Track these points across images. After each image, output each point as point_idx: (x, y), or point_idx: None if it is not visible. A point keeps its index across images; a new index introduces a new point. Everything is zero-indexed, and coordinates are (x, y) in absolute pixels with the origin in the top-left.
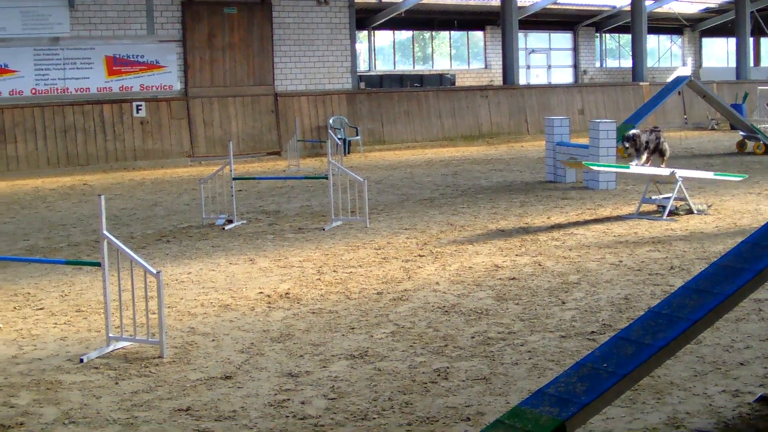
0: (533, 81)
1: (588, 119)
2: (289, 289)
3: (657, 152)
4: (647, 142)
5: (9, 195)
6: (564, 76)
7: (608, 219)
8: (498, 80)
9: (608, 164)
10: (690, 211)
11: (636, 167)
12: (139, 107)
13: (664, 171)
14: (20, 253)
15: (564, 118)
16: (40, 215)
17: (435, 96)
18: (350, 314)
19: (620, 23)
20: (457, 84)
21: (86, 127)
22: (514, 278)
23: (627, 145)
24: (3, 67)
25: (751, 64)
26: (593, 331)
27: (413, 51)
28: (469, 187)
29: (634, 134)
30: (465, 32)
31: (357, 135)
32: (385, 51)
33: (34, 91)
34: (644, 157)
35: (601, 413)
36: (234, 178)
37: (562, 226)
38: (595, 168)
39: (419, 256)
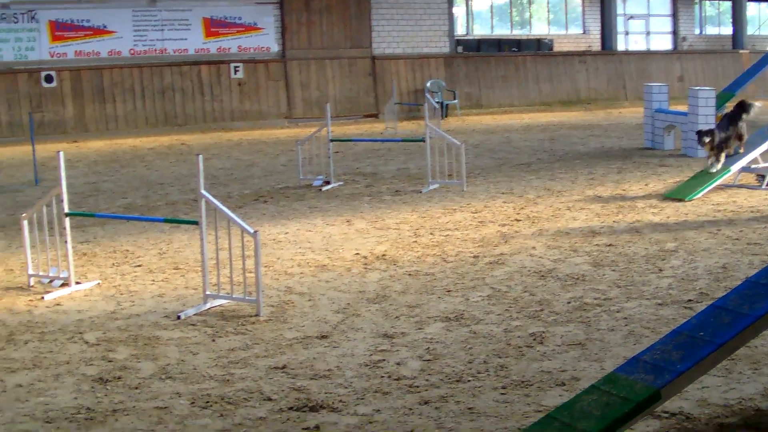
0: (632, 47)
1: (687, 86)
2: (385, 250)
3: (736, 137)
4: (725, 139)
5: (108, 154)
6: (663, 42)
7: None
8: (596, 46)
9: (707, 185)
10: None
11: (719, 166)
12: (237, 68)
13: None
14: (119, 210)
15: (663, 85)
16: (138, 174)
17: (533, 61)
18: (446, 277)
19: None
20: (554, 49)
21: (184, 87)
22: (610, 244)
23: (706, 140)
24: (102, 28)
25: None
26: (690, 300)
27: (511, 15)
28: (566, 152)
29: (712, 131)
30: None
31: (454, 99)
32: (482, 15)
33: (132, 51)
34: (722, 158)
35: (696, 382)
36: (331, 140)
37: (660, 194)
38: (698, 196)
39: (516, 220)
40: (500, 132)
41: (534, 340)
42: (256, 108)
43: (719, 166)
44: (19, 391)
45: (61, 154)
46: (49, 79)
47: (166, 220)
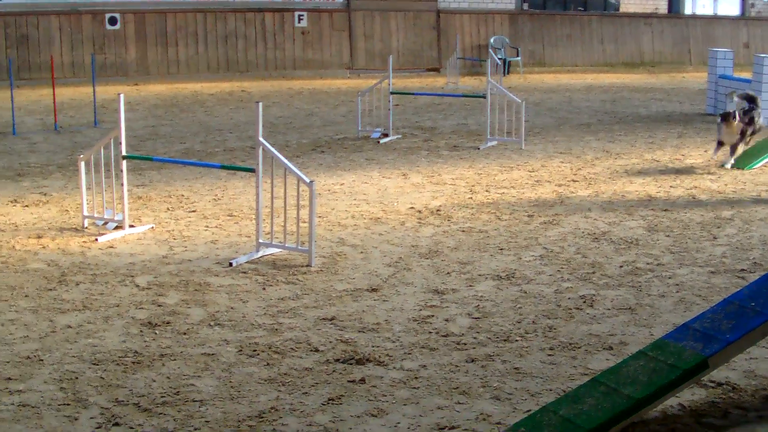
0: (699, 12)
1: (753, 53)
2: (440, 206)
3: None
4: (744, 127)
5: (168, 98)
6: (730, 8)
7: None
8: (663, 8)
9: (766, 155)
10: None
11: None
12: (301, 17)
13: None
14: (177, 155)
15: (728, 51)
16: (197, 119)
17: (598, 21)
18: (500, 235)
19: None
20: (621, 10)
21: (247, 34)
22: (666, 210)
23: (733, 121)
24: None
25: None
26: (743, 269)
27: None
28: (627, 114)
29: (735, 114)
30: None
31: (517, 56)
32: None
33: None
34: (740, 150)
35: (744, 353)
36: (392, 93)
37: (719, 161)
38: (757, 166)
39: (572, 181)
40: (561, 91)
41: (584, 302)
42: (318, 57)
43: (733, 161)
44: (68, 331)
45: (122, 96)
46: (112, 21)
47: (222, 167)
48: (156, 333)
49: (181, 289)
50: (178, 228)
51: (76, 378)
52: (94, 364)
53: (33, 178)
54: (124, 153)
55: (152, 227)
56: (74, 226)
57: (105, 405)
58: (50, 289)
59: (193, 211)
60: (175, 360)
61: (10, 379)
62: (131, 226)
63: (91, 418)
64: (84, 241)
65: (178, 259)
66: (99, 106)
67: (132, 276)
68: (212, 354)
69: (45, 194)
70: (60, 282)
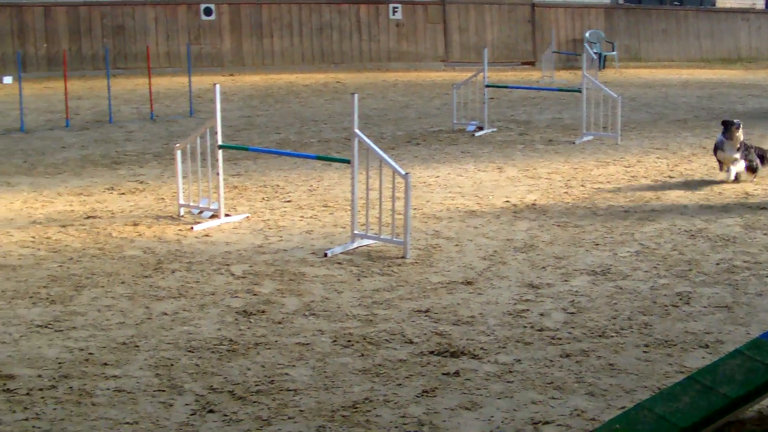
0: None
1: None
2: (535, 199)
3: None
4: (748, 149)
5: (263, 89)
6: None
7: None
8: (760, 4)
9: None
10: None
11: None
12: (395, 9)
13: None
14: (272, 145)
15: None
16: (292, 110)
17: (695, 16)
18: (595, 230)
19: None
20: (717, 5)
21: (342, 26)
22: (764, 208)
23: (735, 132)
24: None
25: None
26: None
27: None
28: (724, 110)
29: (738, 123)
30: None
31: (613, 50)
32: None
33: None
34: (740, 167)
35: None
36: (487, 86)
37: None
38: None
39: (669, 177)
40: (657, 86)
41: (680, 299)
42: (413, 50)
43: (732, 176)
44: (164, 319)
45: (218, 86)
46: (208, 11)
47: (318, 158)
48: (251, 322)
49: (276, 279)
50: (274, 218)
51: (172, 365)
52: (190, 351)
53: (129, 166)
54: (219, 143)
55: (247, 216)
56: (170, 215)
57: (200, 392)
58: (146, 276)
59: (289, 201)
60: (269, 349)
61: (106, 364)
62: (227, 215)
63: (186, 404)
64: (180, 230)
65: (273, 249)
66: (194, 95)
67: (227, 265)
68: (307, 343)
69: (141, 182)
70: (156, 269)
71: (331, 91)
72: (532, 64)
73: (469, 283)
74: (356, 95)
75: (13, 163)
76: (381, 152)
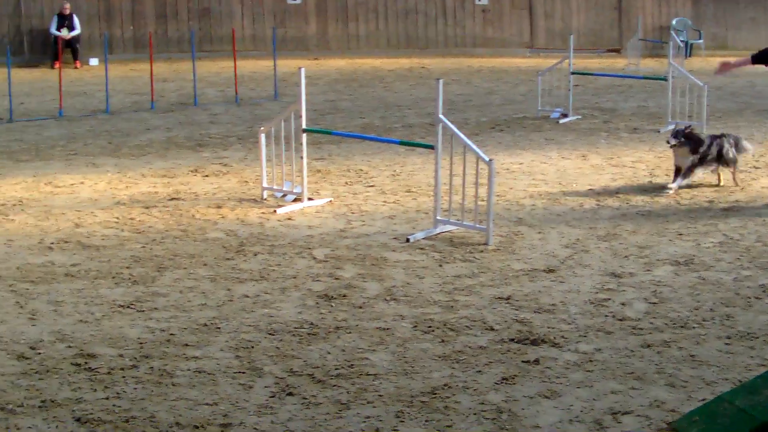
0: None
1: None
2: (619, 188)
3: (721, 161)
4: (708, 148)
5: (348, 73)
6: None
7: None
8: None
9: None
10: None
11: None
12: None
13: None
14: (356, 130)
15: None
16: (377, 95)
17: None
18: (679, 220)
19: None
20: None
21: (427, 11)
22: None
23: (673, 142)
24: None
25: None
26: None
27: None
28: None
29: (688, 129)
30: None
31: (699, 38)
32: None
33: None
34: (694, 173)
35: None
36: (572, 73)
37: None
38: None
39: (754, 167)
40: (744, 76)
41: (763, 291)
42: (498, 35)
43: (675, 186)
44: (245, 301)
45: (303, 70)
46: None
47: (401, 143)
48: (332, 305)
49: (357, 263)
50: (356, 202)
51: (252, 347)
52: (270, 334)
53: (213, 148)
54: (304, 126)
55: (330, 201)
56: (253, 197)
57: (279, 375)
58: (228, 259)
59: (372, 186)
60: (350, 333)
61: (187, 345)
62: (310, 198)
63: (266, 387)
64: (263, 213)
65: (355, 233)
66: (279, 79)
67: (309, 248)
68: (387, 328)
69: (225, 165)
70: (238, 252)
71: (415, 76)
72: (617, 51)
73: (551, 270)
74: (441, 81)
75: (99, 144)
76: (465, 138)
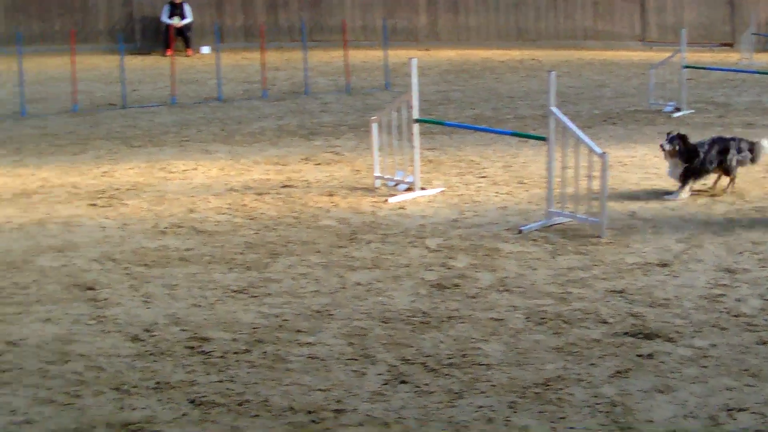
0: None
1: None
2: (734, 184)
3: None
4: (704, 159)
5: (459, 64)
6: None
7: None
8: None
9: None
10: None
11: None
12: None
13: None
14: (467, 120)
15: None
16: (488, 86)
17: None
18: None
19: None
20: None
21: (537, 3)
22: None
23: (667, 147)
24: None
25: None
26: None
27: None
28: None
29: (682, 136)
30: None
31: None
32: None
33: None
34: (687, 189)
35: None
36: (685, 66)
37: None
38: None
39: None
40: None
41: None
42: (609, 28)
43: (683, 195)
44: (358, 289)
45: (414, 60)
46: None
47: (513, 134)
48: (444, 295)
49: (470, 253)
50: (468, 192)
51: (365, 334)
52: (383, 322)
53: (325, 137)
54: (415, 116)
55: (442, 191)
56: (365, 186)
57: (392, 363)
58: (341, 247)
59: (484, 177)
60: (463, 323)
61: (300, 331)
62: (422, 188)
63: (378, 374)
64: (375, 201)
65: (468, 224)
66: (390, 69)
67: (422, 237)
68: (500, 319)
69: (337, 153)
70: (351, 240)
71: (526, 68)
72: (730, 45)
73: (664, 265)
74: (553, 73)
75: (211, 131)
76: (577, 130)
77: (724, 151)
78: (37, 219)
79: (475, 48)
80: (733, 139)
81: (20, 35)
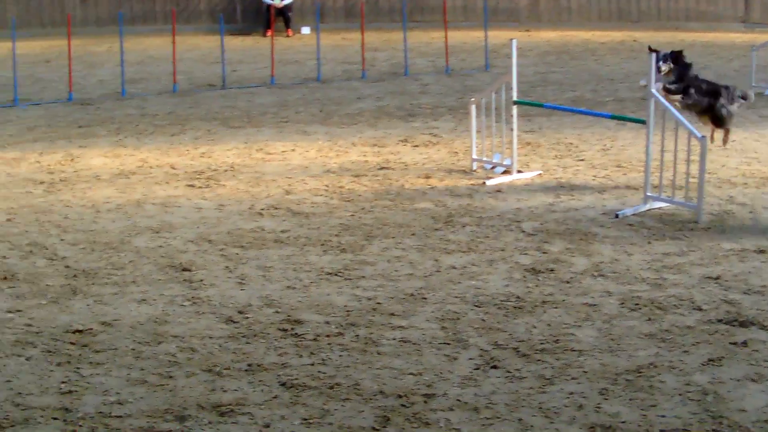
0: None
1: None
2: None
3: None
4: (699, 85)
5: (559, 45)
6: None
7: None
8: None
9: None
10: None
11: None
12: None
13: None
14: (566, 103)
15: None
16: (588, 67)
17: None
18: None
19: None
20: None
21: None
22: None
23: (663, 67)
24: None
25: None
26: None
27: None
28: None
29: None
30: None
31: None
32: None
33: None
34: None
35: None
36: None
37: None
38: None
39: None
40: None
41: None
42: (711, 9)
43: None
44: (452, 272)
45: (515, 42)
46: None
47: (613, 117)
48: (539, 279)
49: (566, 238)
50: (566, 176)
51: (458, 318)
52: (476, 306)
53: (423, 118)
54: (515, 98)
55: (540, 174)
56: (462, 168)
57: (484, 347)
58: (436, 229)
59: (582, 160)
60: (556, 308)
61: (393, 314)
62: (519, 171)
63: (470, 359)
64: (472, 184)
65: (564, 207)
66: (490, 50)
67: (518, 221)
68: (594, 305)
69: (435, 135)
70: (446, 223)
71: (627, 49)
72: None
73: (762, 251)
74: (654, 54)
75: (310, 112)
76: (677, 114)
77: (713, 97)
78: (134, 199)
79: (575, 29)
80: (727, 87)
81: (122, 16)
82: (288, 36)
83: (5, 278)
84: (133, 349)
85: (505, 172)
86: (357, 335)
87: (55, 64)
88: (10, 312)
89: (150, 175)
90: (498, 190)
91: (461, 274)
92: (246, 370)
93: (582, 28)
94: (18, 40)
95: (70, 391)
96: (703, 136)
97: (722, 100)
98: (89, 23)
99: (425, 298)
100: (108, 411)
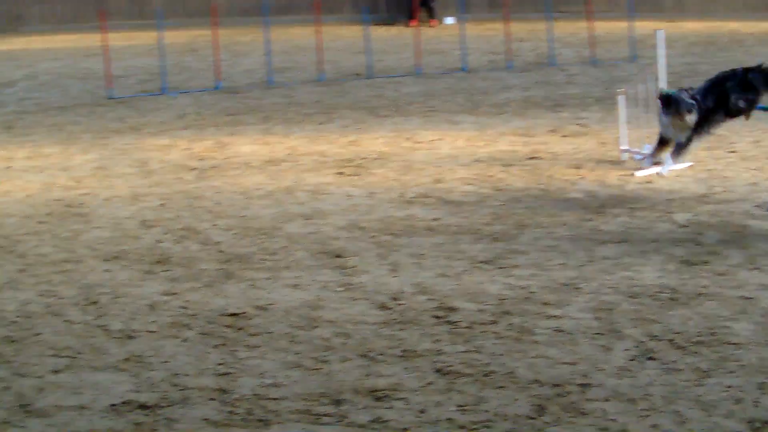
0: None
1: None
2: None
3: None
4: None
5: (706, 36)
6: None
7: None
8: None
9: None
10: None
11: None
12: None
13: None
14: None
15: None
16: (736, 59)
17: None
18: None
19: None
20: None
21: None
22: None
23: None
24: None
25: None
26: None
27: None
28: None
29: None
30: None
31: None
32: None
33: None
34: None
35: None
36: None
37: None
38: None
39: None
40: None
41: None
42: None
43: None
44: (605, 263)
45: (661, 32)
46: None
47: (764, 109)
48: (693, 271)
49: (720, 230)
50: (718, 168)
51: (612, 309)
52: (631, 297)
53: (571, 109)
54: (663, 90)
55: (691, 165)
56: (612, 159)
57: (639, 338)
58: (588, 220)
59: (733, 152)
60: (711, 300)
61: (546, 304)
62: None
63: (625, 350)
64: (622, 175)
65: (717, 199)
66: (637, 40)
67: (670, 212)
68: (750, 298)
69: (583, 126)
70: (598, 213)
71: None
72: None
73: None
74: None
75: (457, 102)
76: None
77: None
78: (285, 186)
79: (722, 20)
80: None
81: (267, 5)
82: (431, 26)
83: (160, 262)
84: (288, 333)
85: (655, 164)
86: (511, 324)
87: (201, 53)
88: (165, 295)
89: (299, 163)
90: (648, 181)
91: (615, 264)
92: (401, 356)
93: (729, 18)
94: (164, 30)
95: (227, 373)
96: None
97: (734, 96)
98: (233, 13)
99: (579, 288)
100: (265, 393)
